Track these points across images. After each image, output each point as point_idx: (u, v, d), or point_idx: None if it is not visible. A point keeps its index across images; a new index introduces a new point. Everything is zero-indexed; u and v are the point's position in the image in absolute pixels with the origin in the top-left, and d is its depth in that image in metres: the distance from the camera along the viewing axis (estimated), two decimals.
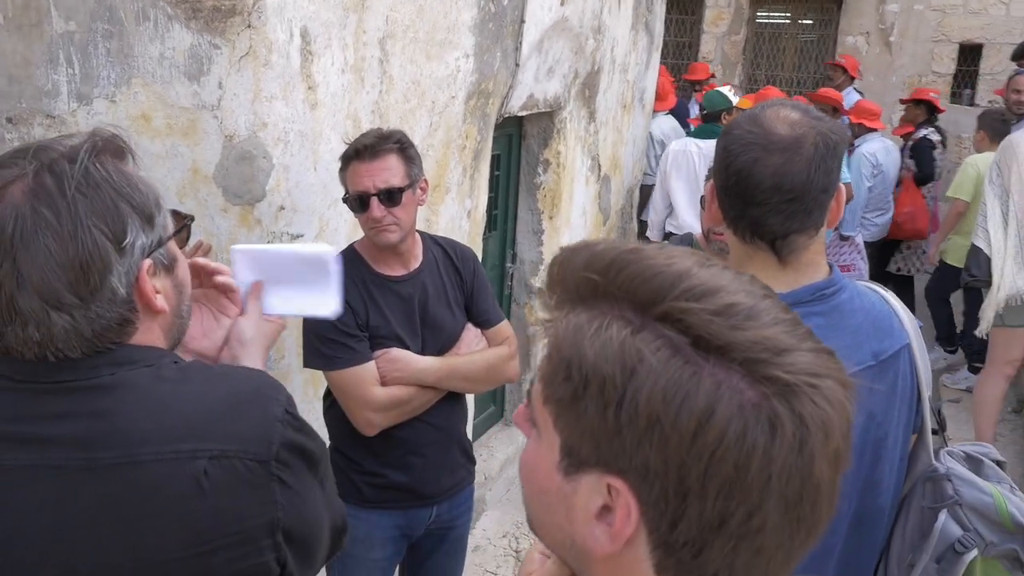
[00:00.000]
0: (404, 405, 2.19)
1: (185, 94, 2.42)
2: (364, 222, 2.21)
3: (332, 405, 2.33)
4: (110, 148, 1.13)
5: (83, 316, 1.05)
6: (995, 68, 9.96)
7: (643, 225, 6.71)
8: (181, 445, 1.05)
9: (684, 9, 10.76)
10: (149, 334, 1.14)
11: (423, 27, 3.12)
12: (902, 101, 7.36)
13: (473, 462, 2.48)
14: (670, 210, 5.59)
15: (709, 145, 5.26)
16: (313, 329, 2.20)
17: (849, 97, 8.09)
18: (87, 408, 1.06)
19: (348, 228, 2.90)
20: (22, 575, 1.03)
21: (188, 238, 1.33)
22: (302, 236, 2.65)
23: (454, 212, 3.56)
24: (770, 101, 1.49)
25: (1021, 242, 4.30)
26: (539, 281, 4.83)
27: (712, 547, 0.67)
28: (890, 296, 1.60)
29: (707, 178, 2.83)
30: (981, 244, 4.42)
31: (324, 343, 2.16)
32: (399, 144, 2.19)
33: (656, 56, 6.32)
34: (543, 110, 4.48)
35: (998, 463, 1.64)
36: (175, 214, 1.19)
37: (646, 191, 6.69)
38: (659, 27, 6.21)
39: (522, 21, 3.81)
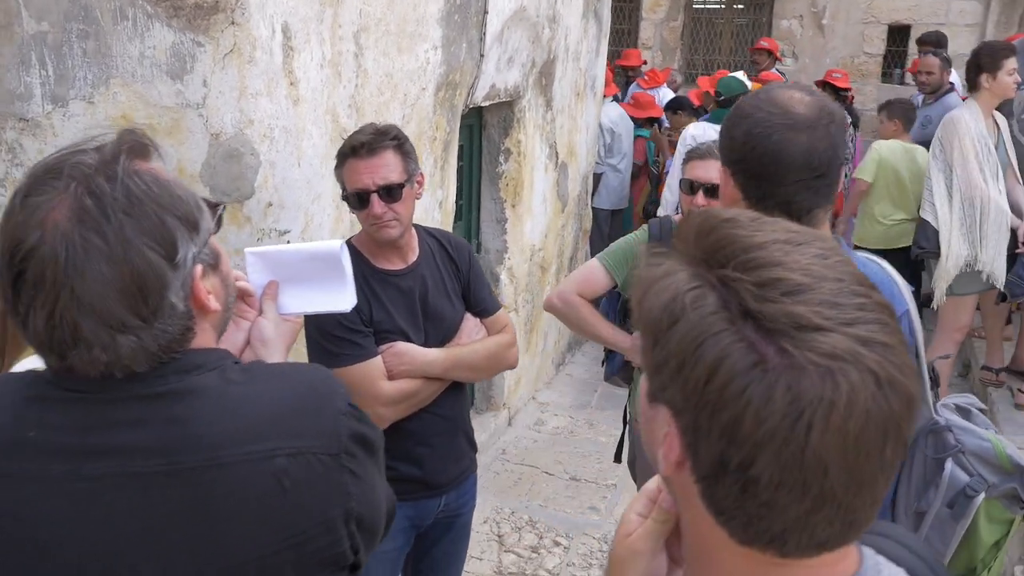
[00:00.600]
0: (412, 397, 2.21)
1: (168, 93, 2.40)
2: (364, 219, 2.23)
3: None
4: (137, 150, 1.13)
5: (148, 335, 1.05)
6: None
7: (594, 211, 6.80)
8: (258, 445, 1.07)
9: None
10: (204, 335, 1.15)
11: (394, 20, 3.13)
12: (816, 83, 7.55)
13: (475, 449, 2.52)
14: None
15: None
16: (317, 327, 2.21)
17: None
18: (161, 415, 1.07)
19: (331, 223, 2.91)
20: None
21: (220, 225, 1.33)
22: (289, 232, 2.65)
23: (427, 203, 3.58)
24: (773, 84, 1.56)
25: (965, 214, 4.50)
26: (504, 270, 4.88)
27: (722, 485, 0.76)
28: (886, 265, 1.69)
29: (684, 161, 2.90)
30: (928, 217, 4.60)
31: (329, 340, 2.17)
32: (396, 140, 2.21)
33: (604, 44, 6.40)
34: (504, 99, 4.52)
35: (982, 411, 1.76)
36: (206, 203, 1.19)
37: (596, 179, 6.78)
38: (607, 15, 6.29)
39: (485, 12, 3.84)
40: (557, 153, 5.49)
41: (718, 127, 5.61)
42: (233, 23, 2.33)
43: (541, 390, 5.82)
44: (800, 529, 0.75)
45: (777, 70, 8.60)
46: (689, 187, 2.78)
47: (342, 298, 1.54)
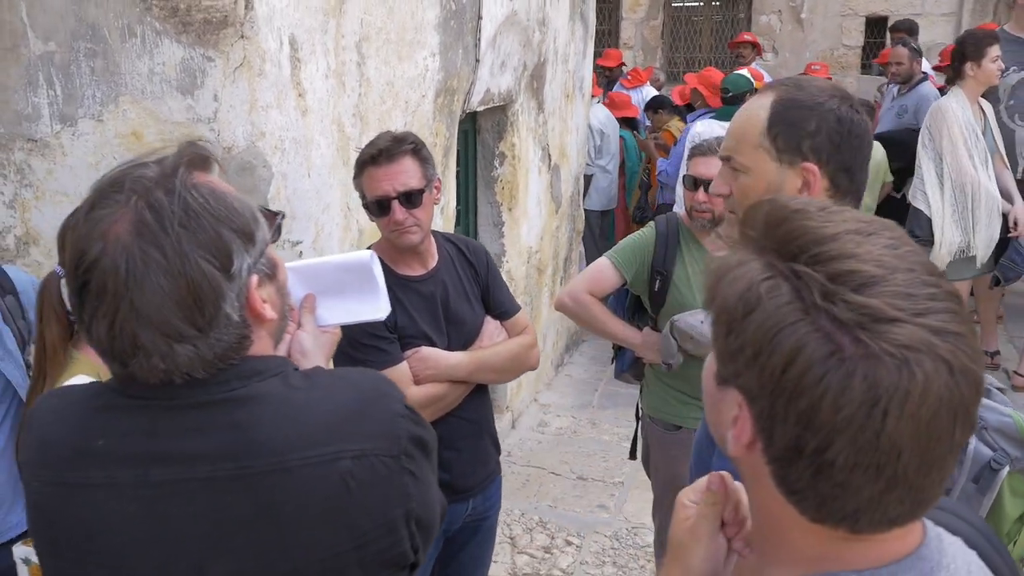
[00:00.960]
0: (439, 402, 2.23)
1: (178, 108, 2.41)
2: (385, 225, 2.25)
3: None
4: (197, 163, 1.15)
5: (204, 344, 1.08)
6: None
7: (585, 213, 6.84)
8: (324, 448, 1.09)
9: None
10: (261, 342, 1.17)
11: (394, 28, 3.15)
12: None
13: (499, 451, 2.54)
14: None
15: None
16: (343, 334, 2.22)
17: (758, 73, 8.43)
18: (225, 421, 1.09)
19: (339, 232, 2.92)
20: None
21: (279, 234, 1.35)
22: (301, 243, 2.67)
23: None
24: (787, 79, 1.58)
25: (956, 201, 4.56)
26: (503, 273, 4.90)
27: (795, 468, 0.79)
28: None
29: (688, 157, 2.94)
30: (920, 206, 4.66)
31: (355, 347, 2.19)
32: (413, 146, 2.23)
33: (591, 45, 6.44)
34: (497, 104, 4.55)
35: (1000, 390, 1.80)
36: (265, 213, 1.21)
37: (586, 180, 6.82)
38: (592, 16, 6.34)
39: (479, 17, 3.87)
40: (550, 155, 5.52)
41: (725, 124, 5.66)
42: (243, 37, 2.35)
43: (542, 392, 5.84)
44: (872, 508, 0.78)
45: (757, 65, 8.71)
46: (693, 183, 2.82)
47: (376, 307, 1.57)
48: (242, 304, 1.11)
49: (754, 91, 5.79)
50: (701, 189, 2.79)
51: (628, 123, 7.47)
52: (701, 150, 2.90)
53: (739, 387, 0.82)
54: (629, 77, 8.66)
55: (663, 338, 2.81)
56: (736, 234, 0.88)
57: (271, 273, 1.19)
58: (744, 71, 6.20)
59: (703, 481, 1.00)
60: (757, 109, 1.51)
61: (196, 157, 1.14)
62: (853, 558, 0.82)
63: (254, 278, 1.13)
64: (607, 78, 8.80)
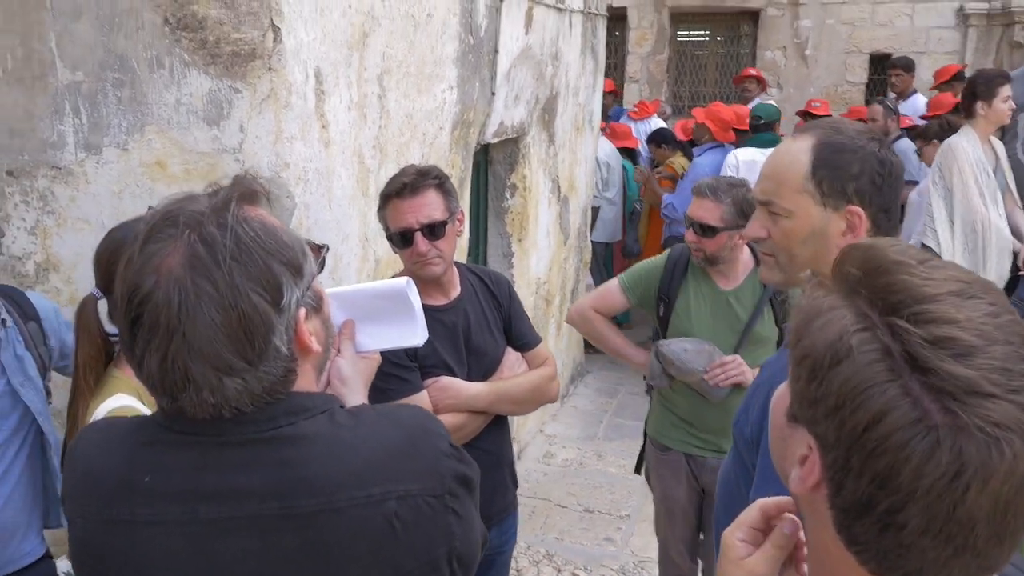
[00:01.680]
0: (458, 432, 2.23)
1: (204, 139, 2.43)
2: (408, 257, 2.26)
3: None
4: (247, 196, 1.16)
5: (253, 377, 1.08)
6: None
7: (592, 245, 6.87)
8: (372, 489, 1.09)
9: (610, 30, 11.05)
10: (305, 376, 1.18)
11: (414, 62, 3.19)
12: (797, 113, 7.70)
13: (516, 484, 2.53)
14: None
15: (770, 151, 5.56)
16: None
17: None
18: (273, 458, 1.09)
19: (357, 262, 2.93)
20: None
21: (324, 267, 1.36)
22: (320, 273, 2.67)
23: None
24: (821, 121, 1.60)
25: (967, 239, 4.58)
26: None
27: (862, 522, 0.78)
28: None
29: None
30: (931, 243, 4.68)
31: (376, 375, 2.18)
32: (437, 179, 2.25)
33: (601, 78, 6.51)
34: (510, 136, 4.58)
35: None
36: (311, 246, 1.23)
37: (593, 212, 6.85)
38: (602, 51, 6.40)
39: (496, 51, 3.91)
40: (559, 187, 5.55)
41: (765, 150, 5.83)
42: (270, 69, 2.37)
43: (548, 423, 5.83)
44: (936, 570, 0.77)
45: (759, 100, 8.80)
46: (688, 223, 2.95)
47: (413, 333, 1.58)
48: (290, 337, 1.12)
49: (779, 120, 6.05)
50: (691, 230, 2.92)
51: (627, 154, 7.53)
52: (699, 191, 2.98)
53: (815, 434, 0.82)
54: (636, 109, 8.73)
55: (650, 360, 2.99)
56: (829, 275, 0.87)
57: (317, 306, 1.20)
58: (770, 101, 6.32)
59: (751, 516, 0.99)
60: (797, 153, 1.52)
61: (247, 191, 1.15)
62: None
63: (302, 311, 1.14)
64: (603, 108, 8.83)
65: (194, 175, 2.46)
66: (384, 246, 3.09)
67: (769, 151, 6.77)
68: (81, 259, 2.59)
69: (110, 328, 2.01)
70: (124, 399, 1.89)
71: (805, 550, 0.95)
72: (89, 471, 1.14)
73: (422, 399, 2.21)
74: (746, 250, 3.00)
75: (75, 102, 2.49)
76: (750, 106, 8.44)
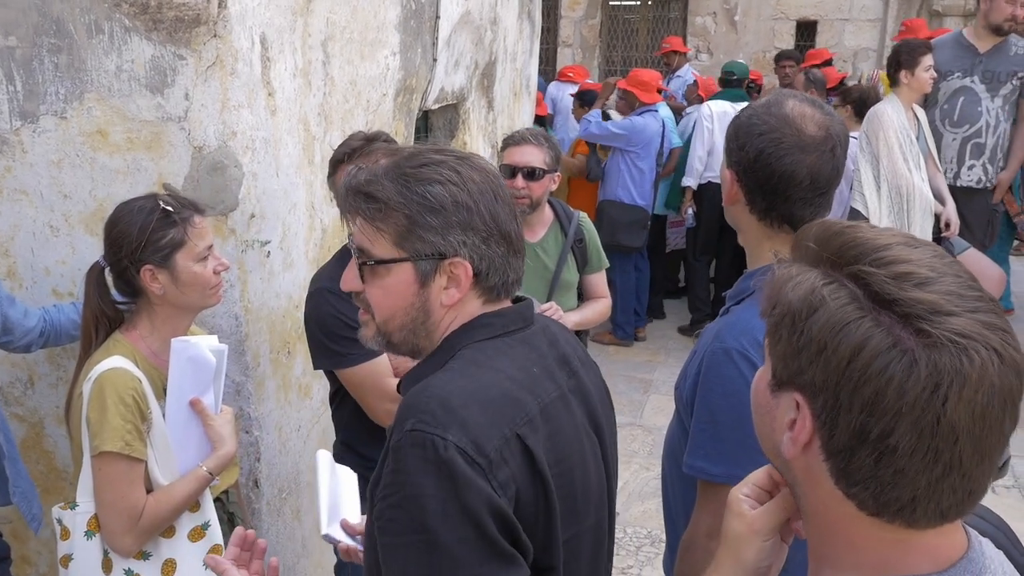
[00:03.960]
0: None
1: (147, 107, 2.37)
2: None
3: (340, 404, 2.36)
4: None
5: None
6: (829, 42, 10.75)
7: None
8: None
9: None
10: None
11: (357, 28, 3.15)
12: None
13: None
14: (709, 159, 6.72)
15: (740, 105, 6.34)
16: (322, 328, 2.23)
17: (687, 75, 8.62)
18: None
19: (305, 232, 2.91)
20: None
21: None
22: (270, 242, 2.65)
23: None
24: (781, 93, 1.65)
25: (892, 202, 4.76)
26: None
27: (857, 457, 0.85)
28: None
29: (502, 148, 3.11)
30: (859, 207, 4.85)
31: (335, 341, 2.19)
32: (387, 143, 2.24)
33: (537, 43, 6.50)
34: (450, 102, 4.57)
35: None
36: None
37: None
38: (538, 16, 6.39)
39: (437, 17, 3.88)
40: (499, 153, 5.55)
41: (736, 104, 6.14)
42: (215, 36, 2.32)
43: None
44: (928, 497, 0.84)
45: (688, 68, 8.92)
46: (510, 172, 3.07)
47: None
48: None
49: (748, 77, 6.68)
50: (519, 176, 3.03)
51: (539, 121, 7.54)
52: (514, 140, 3.14)
53: (800, 385, 0.89)
54: (570, 75, 8.73)
55: None
56: (787, 255, 0.97)
57: None
58: (741, 62, 7.18)
59: (758, 475, 1.04)
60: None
61: None
62: (915, 561, 0.88)
63: None
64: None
65: (137, 144, 2.40)
66: (331, 215, 3.08)
67: (740, 104, 7.12)
68: (19, 231, 2.52)
69: (117, 296, 2.12)
70: (119, 360, 2.00)
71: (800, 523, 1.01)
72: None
73: (382, 362, 2.23)
74: (546, 204, 3.18)
75: (8, 68, 2.41)
76: (680, 71, 8.60)
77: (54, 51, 2.37)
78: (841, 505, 0.89)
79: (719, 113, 6.66)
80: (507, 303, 1.37)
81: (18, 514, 2.45)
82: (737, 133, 1.62)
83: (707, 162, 6.74)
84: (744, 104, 6.53)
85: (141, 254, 2.02)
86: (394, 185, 1.29)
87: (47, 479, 2.70)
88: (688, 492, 1.68)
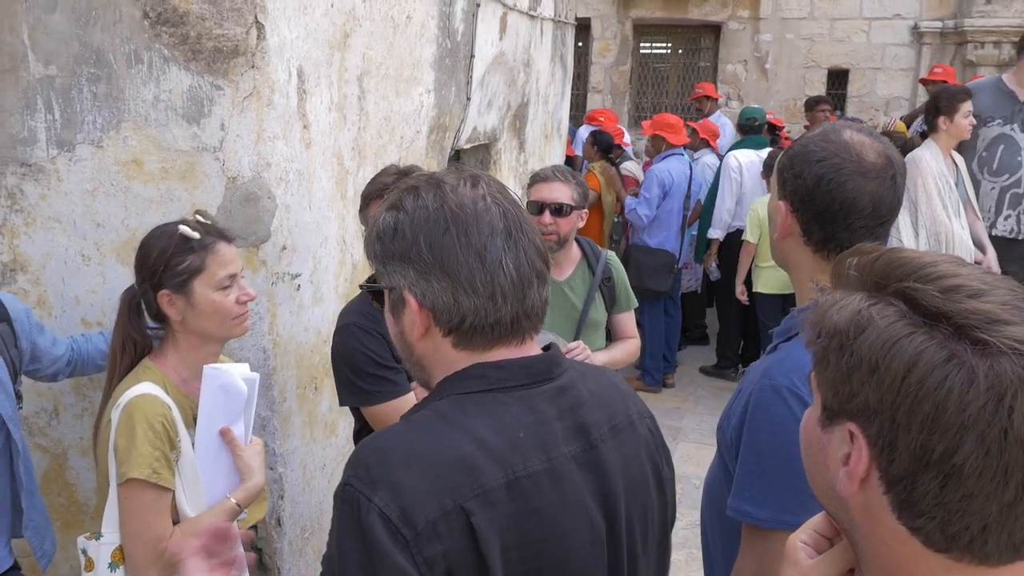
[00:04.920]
0: None
1: (183, 136, 2.37)
2: None
3: None
4: None
5: None
6: (861, 91, 10.72)
7: None
8: None
9: (574, 41, 11.12)
10: None
11: (392, 64, 3.15)
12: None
13: None
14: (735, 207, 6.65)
15: (763, 152, 6.51)
16: (349, 364, 2.18)
17: (720, 120, 8.61)
18: None
19: (335, 266, 2.89)
20: None
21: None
22: (300, 275, 2.63)
23: None
24: (837, 124, 1.60)
25: (931, 248, 4.67)
26: None
27: (921, 483, 0.79)
28: None
29: (530, 183, 3.07)
30: None
31: (362, 378, 2.15)
32: None
33: (568, 87, 6.53)
34: (482, 142, 4.57)
35: None
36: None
37: None
38: (570, 60, 6.42)
39: (472, 56, 3.89)
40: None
41: (760, 151, 6.14)
42: (253, 67, 2.32)
43: None
44: (1000, 525, 0.77)
45: (720, 113, 8.92)
46: (537, 208, 3.02)
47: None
48: None
49: (765, 124, 6.69)
50: (547, 212, 2.99)
51: (568, 162, 7.53)
52: (542, 176, 3.10)
53: (853, 413, 0.83)
54: (601, 119, 8.74)
55: None
56: (829, 284, 0.93)
57: None
58: (759, 107, 7.10)
59: (818, 521, 0.98)
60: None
61: None
62: None
63: None
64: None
65: (171, 173, 2.40)
66: (361, 249, 3.05)
67: (764, 151, 7.09)
68: (50, 259, 2.51)
69: (150, 322, 2.10)
70: (148, 387, 1.97)
71: None
72: None
73: (410, 400, 2.17)
74: (573, 242, 3.14)
75: (48, 97, 2.42)
76: (711, 117, 8.59)
77: (93, 80, 2.38)
78: (905, 544, 0.82)
79: (747, 163, 6.55)
80: (513, 350, 1.20)
81: None
82: (792, 162, 1.56)
83: (735, 212, 6.66)
84: (767, 150, 6.57)
85: (159, 278, 2.00)
86: (380, 210, 1.24)
87: (68, 512, 2.66)
88: (730, 540, 1.59)
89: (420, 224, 1.16)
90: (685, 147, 7.50)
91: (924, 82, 8.03)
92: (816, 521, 0.98)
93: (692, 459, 5.58)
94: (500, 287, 1.15)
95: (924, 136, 5.27)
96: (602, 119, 8.60)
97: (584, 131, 8.60)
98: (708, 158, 7.23)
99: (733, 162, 6.60)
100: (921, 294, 0.81)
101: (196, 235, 2.00)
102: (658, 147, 6.68)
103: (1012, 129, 4.93)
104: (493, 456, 1.10)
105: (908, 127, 6.75)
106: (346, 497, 1.07)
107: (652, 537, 1.29)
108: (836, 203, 1.48)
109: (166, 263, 1.99)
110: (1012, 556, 0.80)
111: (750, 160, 6.55)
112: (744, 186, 6.56)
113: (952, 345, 0.77)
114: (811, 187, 1.51)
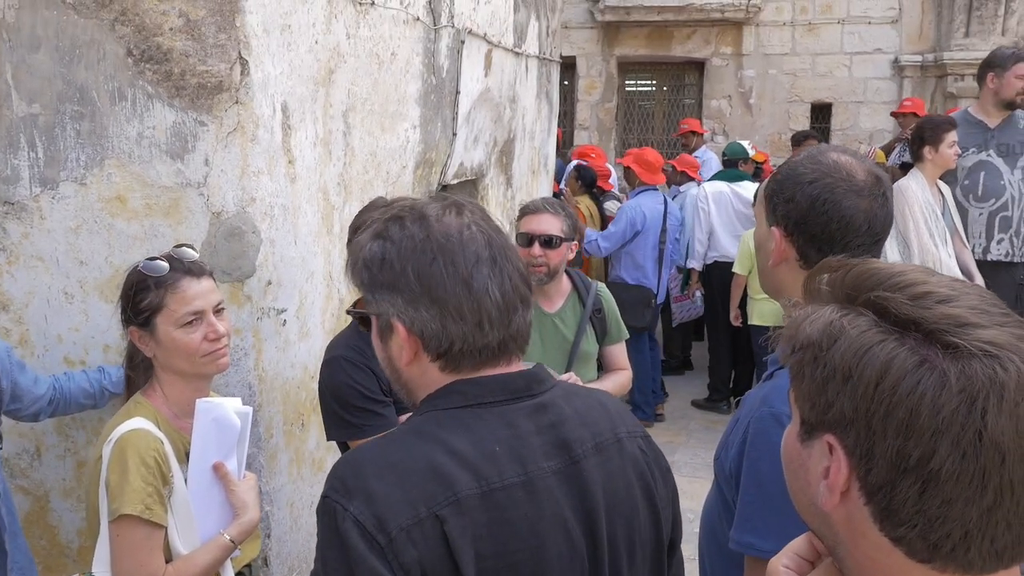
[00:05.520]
0: None
1: (167, 172, 2.36)
2: None
3: None
4: None
5: None
6: (844, 124, 10.84)
7: None
8: None
9: (560, 79, 11.22)
10: None
11: (378, 100, 3.17)
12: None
13: None
14: (710, 239, 6.83)
15: (738, 186, 6.77)
16: (337, 398, 2.16)
17: (706, 155, 8.70)
18: None
19: (322, 301, 2.87)
20: None
21: None
22: (286, 311, 2.61)
23: None
24: (820, 147, 1.61)
25: None
26: None
27: (900, 488, 0.78)
28: None
29: (520, 215, 3.07)
30: None
31: (350, 412, 2.12)
32: None
33: (555, 123, 6.58)
34: (469, 177, 4.58)
35: None
36: None
37: None
38: (556, 96, 6.48)
39: (457, 92, 3.91)
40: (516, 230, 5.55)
41: (730, 184, 6.22)
42: (237, 102, 2.32)
43: None
44: (981, 532, 0.77)
45: (706, 148, 9.01)
46: (527, 240, 3.02)
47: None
48: None
49: (747, 159, 6.85)
50: (536, 244, 2.97)
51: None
52: (531, 208, 3.11)
53: (829, 424, 0.83)
54: (592, 155, 8.79)
55: None
56: (801, 300, 0.93)
57: None
58: (744, 143, 7.24)
59: (799, 544, 0.97)
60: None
61: None
62: None
63: None
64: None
65: (155, 210, 2.38)
66: (348, 285, 3.03)
67: (737, 184, 7.20)
68: (33, 297, 2.48)
69: (148, 352, 2.05)
70: (140, 422, 1.94)
71: None
72: None
73: None
74: (563, 274, 3.14)
75: (31, 135, 2.41)
76: (697, 152, 8.67)
77: (77, 118, 2.38)
78: (889, 556, 0.82)
79: (714, 193, 6.75)
80: (498, 370, 1.23)
81: None
82: (782, 186, 1.55)
83: (708, 243, 6.80)
84: (745, 183, 6.67)
85: (127, 315, 2.01)
86: (364, 238, 1.26)
87: (49, 555, 2.60)
88: (729, 571, 1.56)
89: (407, 254, 1.20)
90: (670, 183, 7.57)
91: (895, 115, 8.18)
92: (797, 544, 0.97)
93: (686, 493, 5.52)
94: (487, 313, 1.19)
95: (903, 167, 5.31)
96: (592, 156, 8.66)
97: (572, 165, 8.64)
98: (694, 191, 7.29)
99: (701, 192, 6.83)
100: (891, 302, 0.81)
101: (157, 273, 1.97)
102: (631, 181, 6.75)
103: (989, 155, 4.98)
104: (467, 467, 1.12)
105: (887, 157, 6.81)
106: (324, 509, 1.11)
107: (641, 557, 1.29)
108: (833, 223, 1.47)
109: (131, 300, 1.98)
110: (995, 564, 0.79)
111: (718, 191, 6.76)
112: (712, 216, 6.72)
113: (923, 350, 0.78)
114: (806, 209, 1.50)
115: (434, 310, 1.18)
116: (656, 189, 6.64)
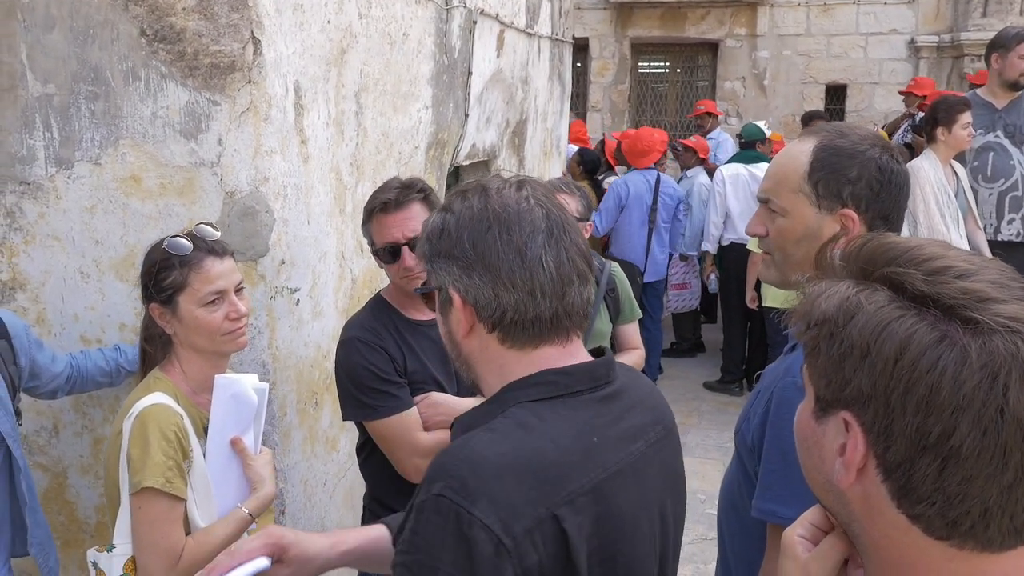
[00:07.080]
0: None
1: (181, 152, 2.38)
2: (395, 272, 2.22)
3: (369, 456, 2.29)
4: None
5: None
6: (859, 106, 10.76)
7: None
8: None
9: (572, 60, 11.17)
10: None
11: (390, 80, 3.17)
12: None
13: None
14: (725, 222, 6.75)
15: (756, 167, 6.59)
16: (352, 379, 2.17)
17: (721, 137, 8.67)
18: None
19: (335, 280, 2.89)
20: None
21: None
22: (299, 290, 2.63)
23: None
24: (824, 127, 1.60)
25: None
26: None
27: (919, 466, 0.77)
28: None
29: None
30: None
31: (365, 392, 2.14)
32: (422, 192, 2.22)
33: (567, 105, 6.56)
34: (481, 159, 4.58)
35: None
36: None
37: None
38: (568, 78, 6.46)
39: (469, 72, 3.91)
40: None
41: (747, 165, 6.18)
42: (250, 82, 2.33)
43: None
44: (1001, 508, 0.76)
45: (719, 131, 8.97)
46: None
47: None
48: None
49: (764, 140, 6.82)
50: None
51: None
52: (552, 187, 3.02)
53: (846, 401, 0.82)
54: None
55: None
56: (814, 275, 0.91)
57: None
58: (760, 123, 7.08)
59: (814, 514, 0.96)
60: (798, 154, 1.54)
61: None
62: None
63: None
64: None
65: (169, 189, 2.40)
66: (360, 265, 3.06)
67: (754, 166, 7.18)
68: (49, 277, 2.51)
69: (168, 329, 2.06)
70: (160, 397, 1.96)
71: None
72: None
73: (412, 416, 2.16)
74: None
75: (46, 115, 2.43)
76: (712, 134, 8.62)
77: (91, 98, 2.39)
78: (906, 534, 0.81)
79: (731, 176, 6.69)
80: (559, 348, 1.23)
81: (35, 566, 2.38)
82: (838, 164, 1.50)
83: (724, 225, 6.76)
84: (761, 163, 6.62)
85: (149, 292, 2.02)
86: (434, 213, 1.31)
87: (67, 531, 2.64)
88: (749, 544, 1.57)
89: (465, 223, 1.23)
90: (683, 165, 7.55)
91: (903, 94, 8.14)
92: (811, 514, 0.96)
93: (697, 474, 5.55)
94: (539, 283, 1.20)
95: (908, 147, 5.29)
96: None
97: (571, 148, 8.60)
98: (701, 177, 7.27)
99: (718, 176, 6.76)
100: (907, 278, 0.80)
101: (182, 252, 1.99)
102: (623, 161, 6.80)
103: (997, 136, 4.96)
104: (577, 461, 1.13)
105: (891, 137, 6.78)
106: (440, 509, 1.06)
107: (679, 540, 1.34)
108: (902, 188, 1.48)
109: (153, 278, 1.99)
110: (1015, 540, 0.78)
111: (735, 173, 6.69)
112: (728, 200, 6.67)
113: (943, 326, 0.76)
114: (879, 182, 1.48)
115: (487, 277, 1.20)
116: (649, 168, 6.61)
